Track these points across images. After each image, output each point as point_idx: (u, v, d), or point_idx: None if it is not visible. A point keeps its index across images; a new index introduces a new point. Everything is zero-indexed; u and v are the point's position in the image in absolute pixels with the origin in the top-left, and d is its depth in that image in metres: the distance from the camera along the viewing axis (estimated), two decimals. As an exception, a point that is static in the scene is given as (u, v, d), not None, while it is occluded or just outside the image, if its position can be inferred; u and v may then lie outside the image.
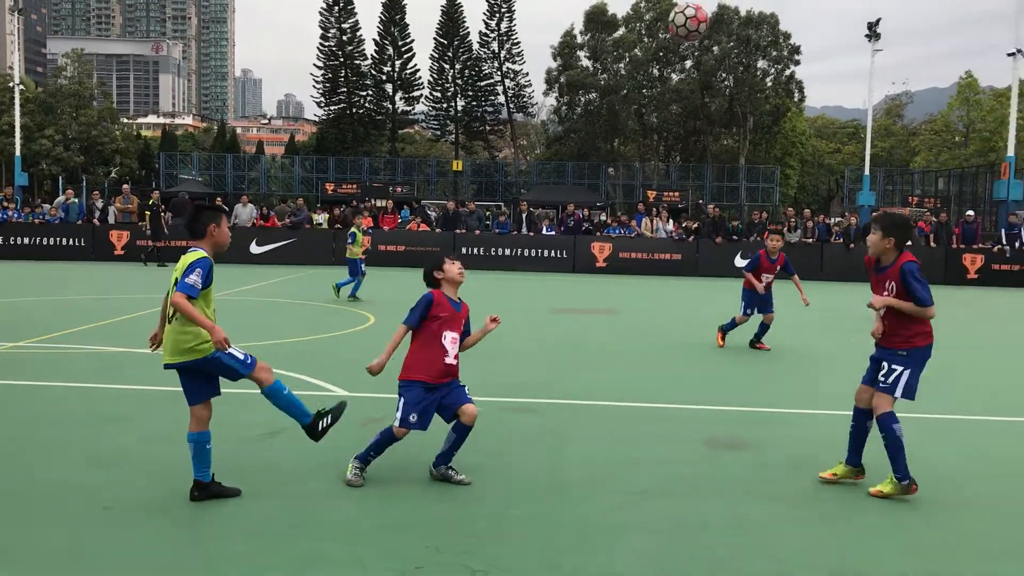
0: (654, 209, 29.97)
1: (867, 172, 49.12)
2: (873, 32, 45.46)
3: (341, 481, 5.52)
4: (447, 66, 65.98)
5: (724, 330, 12.09)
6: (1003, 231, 27.52)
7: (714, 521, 5.08)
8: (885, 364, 5.59)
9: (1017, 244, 26.51)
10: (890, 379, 5.56)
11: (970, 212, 30.35)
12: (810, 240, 27.07)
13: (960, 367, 10.76)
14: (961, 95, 65.58)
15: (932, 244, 27.15)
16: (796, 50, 61.61)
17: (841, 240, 27.26)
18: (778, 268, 11.81)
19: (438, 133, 70.24)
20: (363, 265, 17.17)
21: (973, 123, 63.32)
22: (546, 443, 6.68)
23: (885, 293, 5.59)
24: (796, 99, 64.14)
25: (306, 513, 5.01)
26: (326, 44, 65.95)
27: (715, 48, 60.51)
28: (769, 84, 62.02)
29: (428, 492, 5.44)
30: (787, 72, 62.24)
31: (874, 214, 5.62)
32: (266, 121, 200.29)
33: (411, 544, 4.61)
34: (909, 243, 5.72)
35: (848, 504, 5.48)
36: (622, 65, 62.57)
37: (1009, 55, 35.01)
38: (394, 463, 5.79)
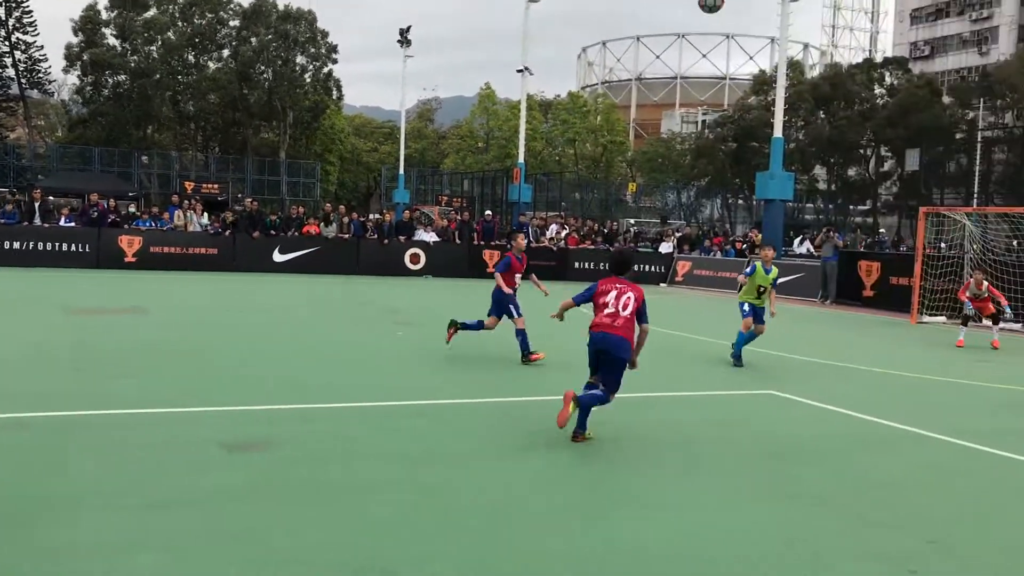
0: (187, 201, 28.58)
1: (402, 171, 51.99)
2: (404, 39, 48.14)
3: None
4: (-61, 29, 56.67)
5: (460, 327, 11.41)
6: (514, 228, 30.93)
7: (223, 529, 4.87)
8: None
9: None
10: None
11: (488, 212, 33.51)
12: (346, 235, 27.78)
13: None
14: (481, 104, 71.83)
15: (457, 241, 29.41)
16: (333, 49, 62.84)
17: (376, 236, 28.32)
18: (524, 267, 11.55)
19: (-71, 106, 60.06)
20: None
21: (492, 131, 69.73)
22: (38, 463, 5.92)
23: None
24: (335, 97, 65.43)
25: None
26: None
27: (253, 40, 59.44)
28: (308, 80, 62.48)
29: None
30: (325, 70, 63.27)
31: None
32: None
33: None
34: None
35: (375, 497, 5.62)
36: (154, 48, 58.73)
37: (519, 71, 39.26)
38: None
